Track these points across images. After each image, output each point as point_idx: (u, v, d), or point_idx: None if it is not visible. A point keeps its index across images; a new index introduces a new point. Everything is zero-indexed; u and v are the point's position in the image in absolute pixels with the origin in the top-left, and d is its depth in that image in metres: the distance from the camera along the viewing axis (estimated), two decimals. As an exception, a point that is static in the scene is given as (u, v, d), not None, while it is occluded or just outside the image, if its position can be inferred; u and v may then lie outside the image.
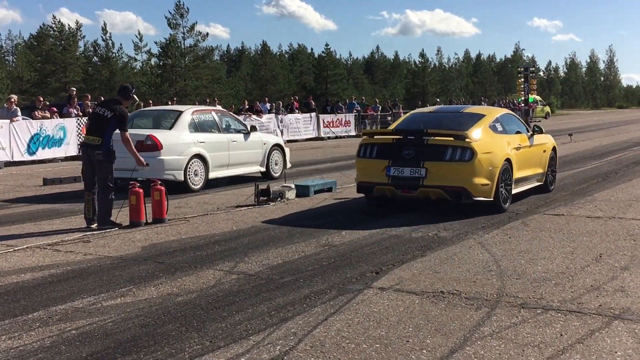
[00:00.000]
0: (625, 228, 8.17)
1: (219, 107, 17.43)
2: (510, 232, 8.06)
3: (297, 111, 31.65)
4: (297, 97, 35.93)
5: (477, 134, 9.07)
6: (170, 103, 33.34)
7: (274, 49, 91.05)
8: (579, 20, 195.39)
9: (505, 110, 10.89)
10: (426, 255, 6.89)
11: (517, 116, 11.46)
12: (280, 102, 34.65)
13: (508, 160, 9.38)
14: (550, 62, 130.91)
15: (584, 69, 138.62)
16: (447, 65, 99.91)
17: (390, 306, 5.19)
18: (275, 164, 14.39)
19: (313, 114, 31.74)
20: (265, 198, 10.78)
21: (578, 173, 14.57)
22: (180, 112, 12.68)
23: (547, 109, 65.06)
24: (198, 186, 12.27)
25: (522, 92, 22.13)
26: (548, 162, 11.19)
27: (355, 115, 34.07)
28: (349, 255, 6.95)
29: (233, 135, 13.32)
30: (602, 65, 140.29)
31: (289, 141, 29.33)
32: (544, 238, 7.65)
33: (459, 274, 6.13)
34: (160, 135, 11.88)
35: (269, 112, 30.35)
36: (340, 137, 32.38)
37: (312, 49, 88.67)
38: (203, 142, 12.45)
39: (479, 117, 9.76)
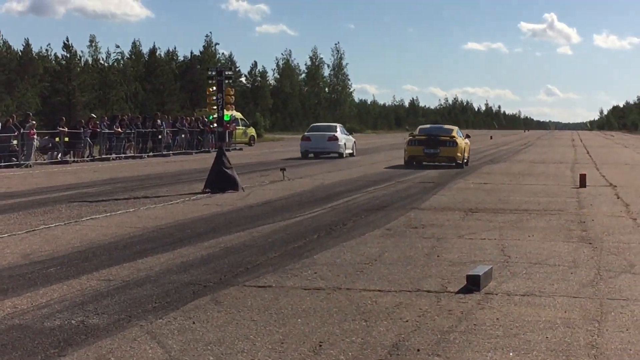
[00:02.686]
0: (354, 303, 8.76)
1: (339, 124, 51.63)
2: (194, 314, 8.23)
3: None
4: None
5: (456, 136, 35.44)
6: None
7: None
8: (292, 5, 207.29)
9: (457, 127, 38.78)
10: (66, 355, 6.78)
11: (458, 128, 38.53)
12: None
13: (464, 148, 35.69)
14: (255, 64, 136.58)
15: (303, 76, 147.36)
16: (105, 64, 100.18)
17: None
18: (354, 149, 47.23)
19: None
20: None
21: (293, 225, 15.37)
22: (336, 125, 48.59)
23: (252, 131, 68.15)
24: (344, 154, 44.81)
25: (215, 107, 22.72)
26: (468, 151, 37.38)
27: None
28: (-61, 362, 6.59)
29: (347, 135, 47.85)
30: (327, 72, 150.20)
31: None
32: (243, 321, 7.93)
33: (116, 382, 6.09)
34: (336, 134, 45.03)
35: None
36: None
37: None
38: (343, 137, 45.98)
39: (451, 129, 37.21)
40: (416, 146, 35.46)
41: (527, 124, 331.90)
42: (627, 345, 7.24)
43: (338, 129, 46.42)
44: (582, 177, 24.47)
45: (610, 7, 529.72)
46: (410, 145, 35.97)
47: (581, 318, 8.20)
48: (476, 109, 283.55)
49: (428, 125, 43.00)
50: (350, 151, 46.31)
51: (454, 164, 34.60)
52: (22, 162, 35.20)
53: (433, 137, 35.42)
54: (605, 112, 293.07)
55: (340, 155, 44.26)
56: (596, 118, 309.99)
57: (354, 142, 47.98)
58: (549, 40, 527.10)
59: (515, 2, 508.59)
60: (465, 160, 36.10)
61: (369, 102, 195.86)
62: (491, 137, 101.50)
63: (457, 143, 34.77)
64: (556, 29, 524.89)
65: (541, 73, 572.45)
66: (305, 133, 47.06)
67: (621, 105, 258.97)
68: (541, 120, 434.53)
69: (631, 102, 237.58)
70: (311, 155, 44.20)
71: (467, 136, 38.79)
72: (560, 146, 71.09)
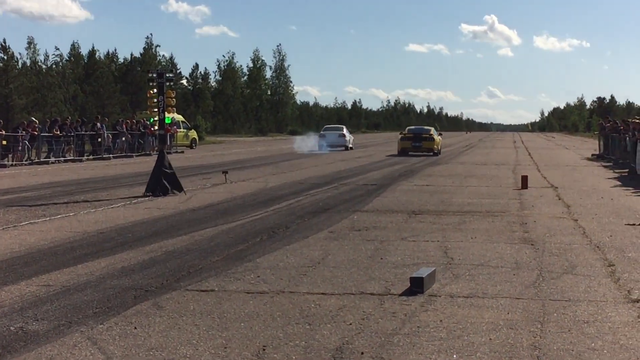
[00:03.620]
0: (298, 307, 8.77)
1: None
2: (136, 319, 8.17)
3: None
4: None
5: (433, 134, 54.05)
6: None
7: None
8: (233, 7, 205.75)
9: (433, 127, 59.53)
10: (5, 363, 6.70)
11: (434, 128, 59.88)
12: None
13: (439, 142, 54.50)
14: (197, 67, 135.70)
15: (245, 78, 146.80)
16: (44, 66, 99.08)
17: None
18: (353, 145, 64.46)
19: None
20: None
21: (235, 228, 15.33)
22: (343, 127, 68.73)
23: (194, 134, 67.84)
24: (349, 147, 61.45)
25: (156, 110, 22.57)
26: (440, 144, 56.17)
27: None
28: None
29: (350, 134, 65.61)
30: (269, 74, 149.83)
31: None
32: (185, 326, 7.90)
33: (56, 389, 6.03)
34: (344, 132, 63.73)
35: None
36: None
37: None
38: (348, 135, 63.90)
39: (429, 129, 56.42)
40: (406, 141, 51.83)
41: (469, 125, 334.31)
42: (569, 346, 7.32)
43: (344, 129, 64.78)
44: (524, 179, 24.69)
45: (550, 9, 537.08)
46: (402, 140, 52.36)
47: (524, 319, 8.28)
48: (418, 111, 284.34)
49: (413, 127, 62.32)
50: (351, 145, 62.52)
51: (432, 153, 50.63)
52: (-42, 166, 34.74)
53: (417, 134, 52.65)
54: (546, 114, 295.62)
55: (346, 148, 60.22)
56: (537, 119, 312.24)
57: (353, 139, 65.83)
58: (489, 42, 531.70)
59: (455, 3, 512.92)
60: (439, 151, 52.71)
61: (311, 104, 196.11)
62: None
63: (434, 139, 51.96)
64: (497, 30, 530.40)
65: (483, 75, 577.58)
66: (321, 132, 64.25)
67: (562, 107, 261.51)
68: (483, 122, 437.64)
69: (571, 103, 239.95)
70: (319, 149, 58.91)
71: (440, 134, 58.11)
72: (502, 148, 71.62)
